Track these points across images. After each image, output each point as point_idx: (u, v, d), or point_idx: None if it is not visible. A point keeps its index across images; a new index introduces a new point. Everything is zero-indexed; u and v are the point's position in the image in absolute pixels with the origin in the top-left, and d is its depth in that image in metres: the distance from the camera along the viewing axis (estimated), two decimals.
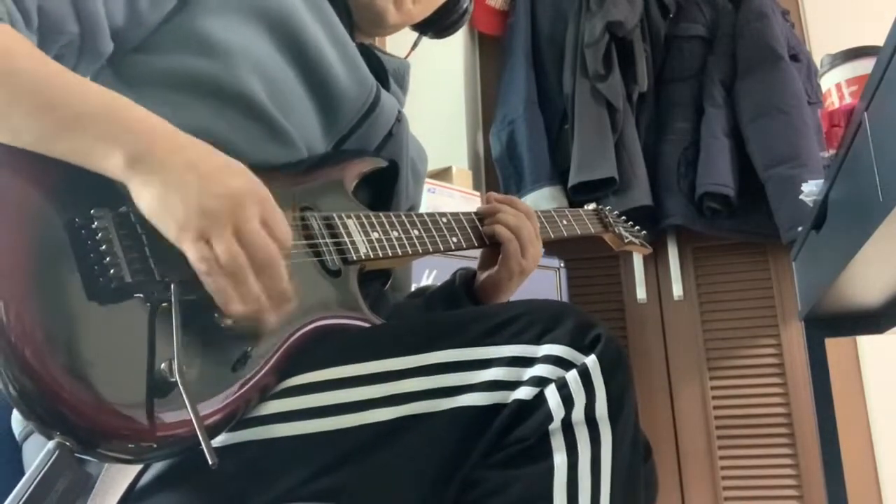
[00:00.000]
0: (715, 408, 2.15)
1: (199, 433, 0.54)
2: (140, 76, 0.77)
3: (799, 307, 1.48)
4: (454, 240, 0.87)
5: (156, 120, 0.63)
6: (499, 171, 2.33)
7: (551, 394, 0.60)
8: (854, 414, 2.00)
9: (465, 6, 1.05)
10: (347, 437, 0.62)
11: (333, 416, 0.62)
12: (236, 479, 0.63)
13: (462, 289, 0.97)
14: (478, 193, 2.05)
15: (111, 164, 0.59)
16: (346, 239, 0.76)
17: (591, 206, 1.16)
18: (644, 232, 1.26)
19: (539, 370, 0.61)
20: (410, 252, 0.81)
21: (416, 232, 0.82)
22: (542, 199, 2.19)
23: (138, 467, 0.62)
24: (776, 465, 2.07)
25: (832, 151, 1.05)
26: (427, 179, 1.86)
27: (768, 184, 2.04)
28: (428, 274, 1.71)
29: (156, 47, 0.78)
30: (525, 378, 0.61)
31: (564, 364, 0.61)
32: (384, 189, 0.92)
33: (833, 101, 1.13)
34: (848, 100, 1.10)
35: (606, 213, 1.16)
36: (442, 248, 0.84)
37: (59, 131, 0.59)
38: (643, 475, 0.71)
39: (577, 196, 2.15)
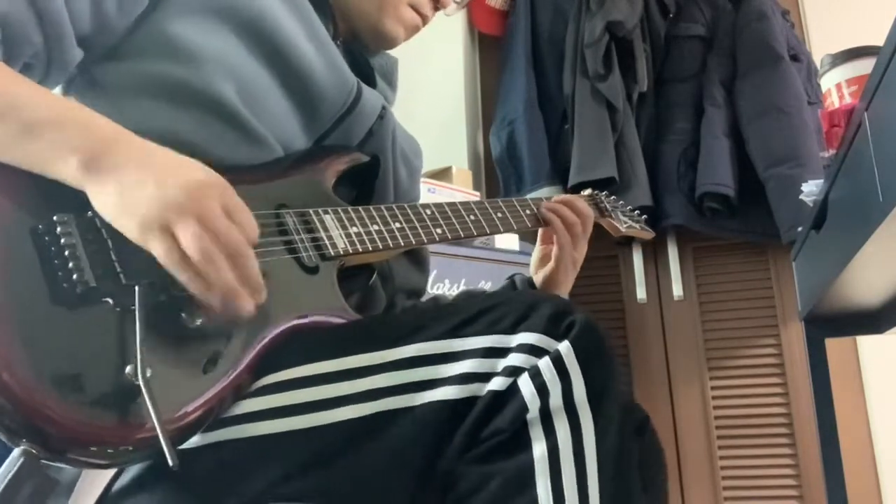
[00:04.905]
0: (715, 408, 2.15)
1: (159, 434, 0.54)
2: (112, 83, 0.78)
3: (799, 307, 1.48)
4: (438, 231, 0.86)
5: (110, 125, 0.63)
6: (499, 171, 2.33)
7: (525, 383, 0.59)
8: (854, 414, 2.00)
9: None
10: (320, 436, 0.61)
11: (305, 415, 0.62)
12: (211, 480, 0.62)
13: (524, 287, 1.03)
14: (477, 193, 2.05)
15: (67, 171, 0.60)
16: (323, 234, 0.75)
17: (587, 191, 1.17)
18: (645, 217, 1.27)
19: (512, 360, 0.60)
20: (392, 245, 0.80)
21: (397, 225, 0.81)
22: (541, 198, 2.18)
23: (114, 470, 0.62)
24: (776, 465, 2.06)
25: (832, 151, 1.05)
26: (427, 179, 1.86)
27: (768, 184, 2.04)
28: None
29: (126, 54, 0.78)
30: (499, 369, 0.60)
31: (537, 352, 0.60)
32: (370, 185, 0.92)
33: (833, 101, 1.13)
34: (848, 100, 1.10)
35: (602, 198, 1.17)
36: (425, 240, 0.84)
37: (14, 139, 0.59)
38: (638, 455, 0.72)
39: None
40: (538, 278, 1.05)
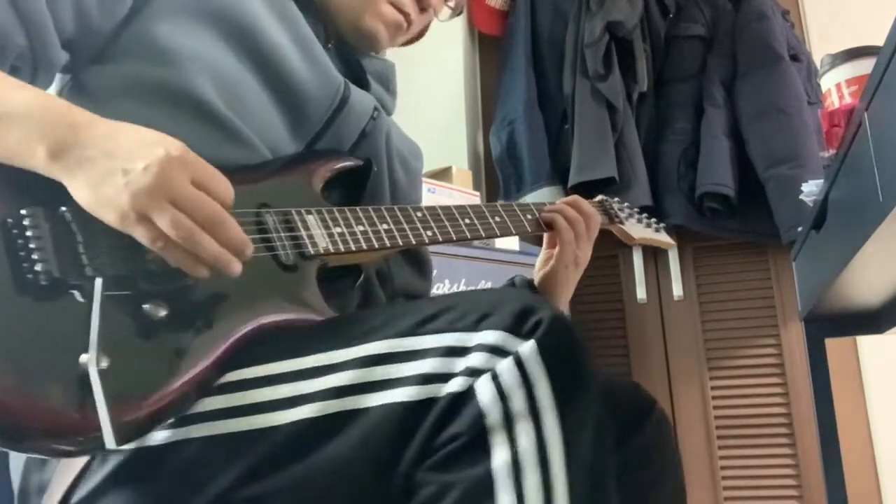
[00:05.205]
0: (715, 408, 2.15)
1: (100, 416, 0.54)
2: (97, 87, 0.79)
3: (799, 307, 1.48)
4: (428, 234, 0.84)
5: (74, 112, 0.64)
6: (499, 172, 2.33)
7: (483, 386, 0.56)
8: (854, 414, 2.00)
9: (426, 30, 1.09)
10: (278, 436, 0.61)
11: (263, 414, 0.61)
12: (178, 479, 0.62)
13: (525, 287, 1.02)
14: (477, 193, 2.05)
15: (36, 162, 0.61)
16: (304, 233, 0.75)
17: (599, 197, 1.14)
18: (663, 224, 1.23)
19: (472, 360, 0.57)
20: (377, 246, 0.79)
21: (384, 226, 0.81)
22: (541, 199, 2.19)
23: (82, 462, 0.62)
24: (776, 465, 2.06)
25: (832, 151, 1.05)
26: (427, 179, 1.86)
27: (768, 184, 2.04)
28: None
29: (111, 57, 0.79)
30: (458, 369, 0.57)
31: (500, 352, 0.57)
32: (363, 188, 0.92)
33: (833, 101, 1.13)
34: (848, 100, 1.09)
35: (613, 204, 1.14)
36: (413, 242, 0.83)
37: None
38: (642, 447, 0.71)
39: None
40: (538, 279, 1.04)
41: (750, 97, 2.11)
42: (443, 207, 0.89)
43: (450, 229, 0.87)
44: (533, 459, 0.54)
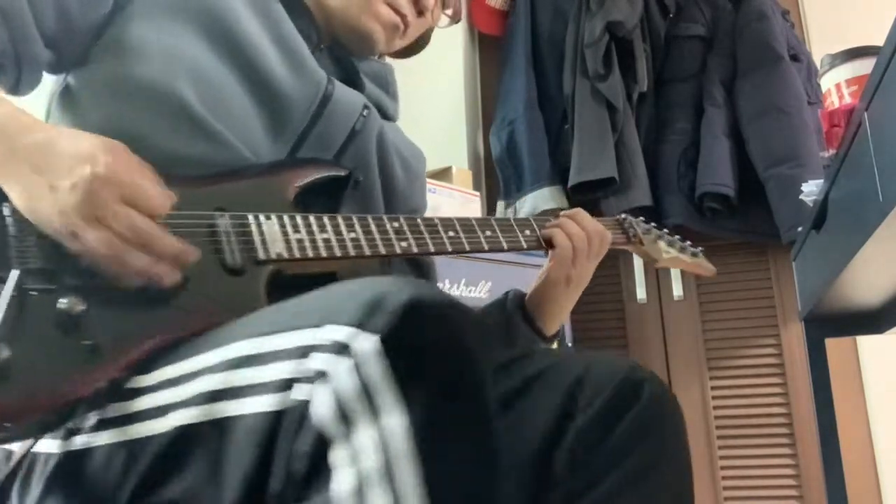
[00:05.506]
0: (715, 408, 2.15)
1: None
2: (78, 88, 0.80)
3: (799, 307, 1.48)
4: (403, 244, 0.81)
5: (12, 119, 0.64)
6: (499, 172, 2.33)
7: (321, 395, 0.48)
8: (854, 414, 2.00)
9: (429, 39, 1.09)
10: (152, 446, 0.58)
11: (143, 423, 0.59)
12: (93, 486, 0.61)
13: (514, 303, 0.97)
14: (477, 193, 2.05)
15: None
16: (257, 238, 0.73)
17: (622, 216, 1.07)
18: (701, 249, 1.13)
19: (316, 361, 0.49)
20: (339, 255, 0.76)
21: (351, 235, 0.78)
22: (541, 199, 2.19)
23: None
24: (776, 465, 2.06)
25: (832, 151, 1.05)
26: (427, 180, 1.86)
27: (768, 184, 2.04)
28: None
29: (92, 58, 0.81)
30: (305, 374, 0.49)
31: (344, 351, 0.48)
32: (360, 201, 0.90)
33: (833, 101, 1.13)
34: (848, 100, 1.10)
35: (633, 223, 1.06)
36: (383, 252, 0.79)
37: None
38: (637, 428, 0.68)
39: (577, 196, 2.15)
40: (528, 292, 0.98)
41: (750, 97, 2.11)
42: (425, 219, 0.85)
43: (428, 241, 0.84)
44: (379, 482, 0.45)
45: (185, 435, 0.56)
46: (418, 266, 1.01)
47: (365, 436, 0.46)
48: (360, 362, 0.47)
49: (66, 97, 0.81)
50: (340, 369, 0.47)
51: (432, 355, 0.48)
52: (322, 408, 0.47)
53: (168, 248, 0.64)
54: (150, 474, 0.58)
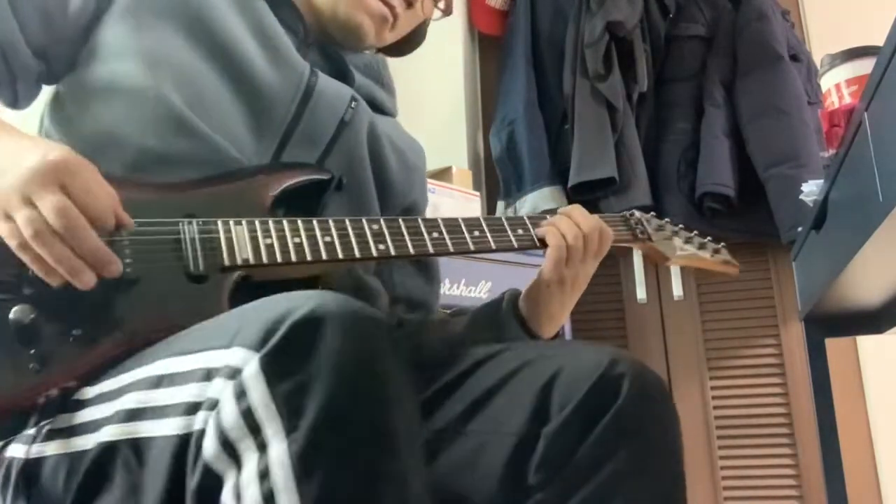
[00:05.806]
0: (715, 408, 2.15)
1: None
2: (68, 95, 0.82)
3: (799, 307, 1.48)
4: (380, 247, 0.79)
5: None
6: (499, 172, 2.32)
7: (210, 426, 0.46)
8: (854, 414, 2.00)
9: (424, 34, 1.07)
10: (84, 461, 0.57)
11: (79, 437, 0.59)
12: (46, 497, 0.61)
13: (509, 304, 0.93)
14: (477, 193, 2.04)
15: None
16: (224, 244, 0.72)
17: (629, 212, 1.03)
18: (723, 244, 1.07)
19: (214, 388, 0.47)
20: (310, 259, 0.75)
21: (326, 239, 0.76)
22: (541, 199, 2.19)
23: None
24: (776, 465, 2.06)
25: (832, 151, 1.05)
26: (427, 180, 1.86)
27: (768, 184, 2.04)
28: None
29: (79, 63, 0.82)
30: (204, 399, 0.48)
31: (235, 375, 0.46)
32: (351, 196, 0.90)
33: (833, 101, 1.13)
34: (848, 100, 1.09)
35: (641, 218, 1.02)
36: (358, 256, 0.78)
37: None
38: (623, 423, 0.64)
39: (577, 196, 2.14)
40: (523, 293, 0.94)
41: (750, 97, 2.11)
42: (407, 219, 0.84)
43: (408, 244, 0.81)
44: None
45: (106, 452, 0.55)
46: (421, 266, 1.01)
47: (248, 470, 0.44)
48: (246, 388, 0.45)
49: (56, 104, 0.82)
50: (225, 396, 0.45)
51: (327, 373, 0.45)
52: (208, 441, 0.45)
53: (91, 247, 0.62)
54: (83, 489, 0.57)
